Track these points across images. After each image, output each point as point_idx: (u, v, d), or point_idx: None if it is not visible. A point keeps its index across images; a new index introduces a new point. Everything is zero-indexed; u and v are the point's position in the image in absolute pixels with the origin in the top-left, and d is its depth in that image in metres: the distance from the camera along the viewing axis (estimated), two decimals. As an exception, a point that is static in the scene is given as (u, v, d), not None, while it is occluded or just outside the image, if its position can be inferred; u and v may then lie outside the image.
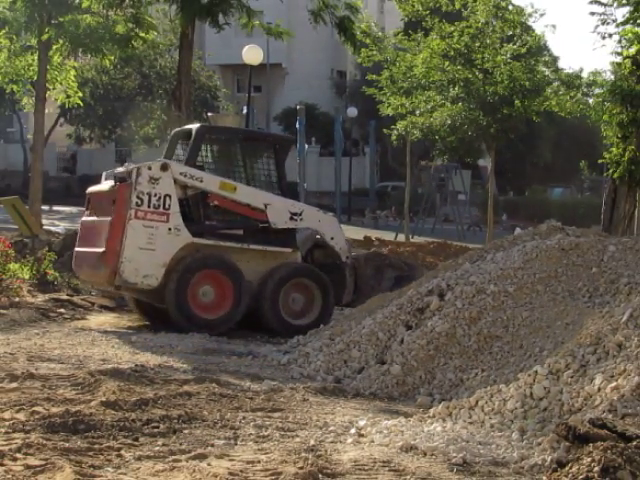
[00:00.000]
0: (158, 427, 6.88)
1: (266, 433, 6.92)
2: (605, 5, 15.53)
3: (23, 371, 8.84)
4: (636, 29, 15.24)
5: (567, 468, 5.33)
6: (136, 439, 6.53)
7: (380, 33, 27.06)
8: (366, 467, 6.03)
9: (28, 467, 5.68)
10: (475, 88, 23.52)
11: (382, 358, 9.68)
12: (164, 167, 12.79)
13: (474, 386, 8.49)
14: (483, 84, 23.41)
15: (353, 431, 7.11)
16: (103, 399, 7.57)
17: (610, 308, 8.45)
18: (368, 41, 24.75)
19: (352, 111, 48.82)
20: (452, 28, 23.06)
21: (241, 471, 5.81)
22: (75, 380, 8.50)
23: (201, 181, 13.04)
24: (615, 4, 15.47)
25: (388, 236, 30.57)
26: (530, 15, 24.11)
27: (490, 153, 26.33)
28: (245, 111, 28.63)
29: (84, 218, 13.96)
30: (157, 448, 6.33)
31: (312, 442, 6.68)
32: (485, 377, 8.76)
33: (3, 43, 24.58)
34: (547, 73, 25.10)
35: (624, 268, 9.78)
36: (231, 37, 46.30)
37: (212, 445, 6.50)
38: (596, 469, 5.10)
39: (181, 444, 6.49)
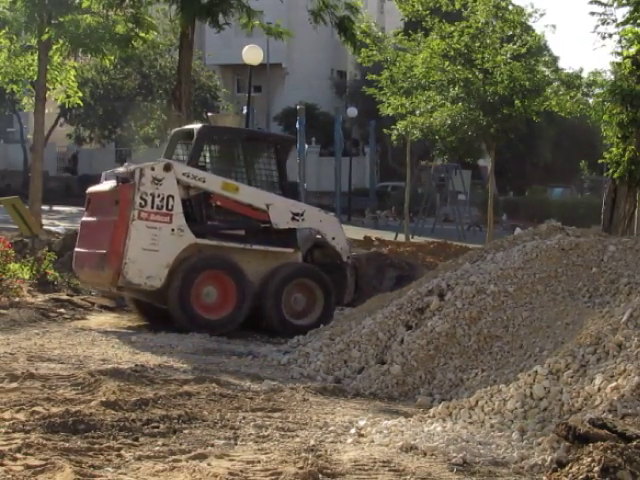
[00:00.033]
0: (158, 427, 6.88)
1: (266, 433, 6.92)
2: (605, 5, 15.54)
3: (23, 371, 8.84)
4: (636, 29, 15.24)
5: (567, 468, 5.34)
6: (136, 439, 6.54)
7: (380, 33, 27.01)
8: (366, 467, 6.03)
9: (28, 467, 5.68)
10: (475, 88, 23.50)
11: (382, 358, 9.68)
12: (167, 168, 12.75)
13: (474, 386, 8.49)
14: (483, 84, 23.38)
15: (353, 431, 7.11)
16: (103, 399, 7.57)
17: (610, 308, 8.45)
18: (368, 41, 24.71)
19: (352, 111, 48.82)
20: (452, 28, 23.02)
21: (241, 471, 5.81)
22: (75, 380, 8.50)
23: (204, 181, 13.01)
24: (615, 4, 15.47)
25: (388, 236, 30.54)
26: (530, 15, 24.08)
27: (490, 153, 26.31)
28: (245, 111, 28.62)
29: (84, 218, 13.91)
30: (157, 448, 6.33)
31: (312, 442, 6.68)
32: (485, 377, 8.76)
33: (3, 43, 24.55)
34: (547, 73, 25.06)
35: (624, 268, 9.78)
36: (231, 37, 46.35)
37: (212, 445, 6.50)
38: (596, 469, 5.10)
39: (181, 444, 6.49)
